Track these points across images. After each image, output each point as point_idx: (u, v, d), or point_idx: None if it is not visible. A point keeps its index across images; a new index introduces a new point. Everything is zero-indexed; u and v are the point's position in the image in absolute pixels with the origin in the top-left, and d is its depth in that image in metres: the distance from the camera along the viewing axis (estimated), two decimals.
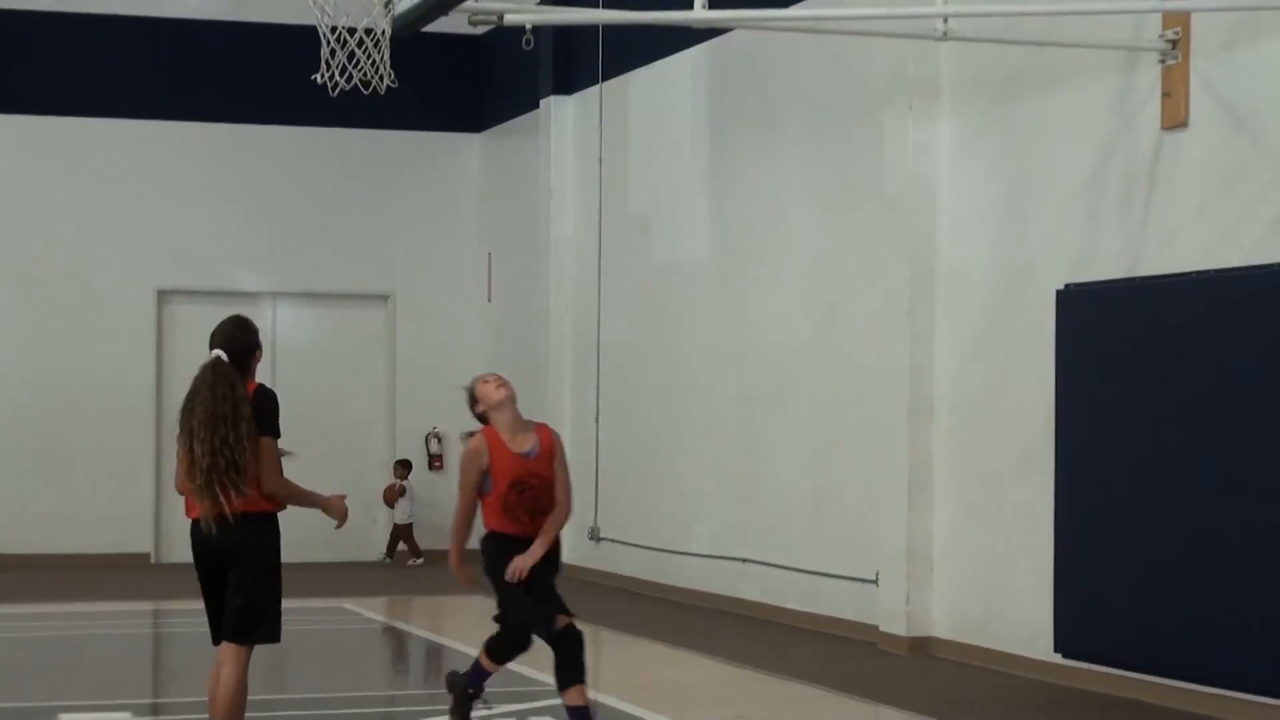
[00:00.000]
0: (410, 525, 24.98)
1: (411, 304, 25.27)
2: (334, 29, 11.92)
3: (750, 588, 18.27)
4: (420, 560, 24.75)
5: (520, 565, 9.02)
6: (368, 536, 25.23)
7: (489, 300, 25.24)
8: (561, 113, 22.91)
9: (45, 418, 24.49)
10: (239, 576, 8.96)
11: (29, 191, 24.56)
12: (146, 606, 20.31)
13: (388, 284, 24.99)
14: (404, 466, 25.07)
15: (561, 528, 9.31)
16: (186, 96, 24.21)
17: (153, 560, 24.57)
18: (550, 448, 9.13)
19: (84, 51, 24.41)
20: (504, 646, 9.87)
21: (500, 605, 9.54)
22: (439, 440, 25.42)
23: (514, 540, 9.16)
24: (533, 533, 9.14)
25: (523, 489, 8.75)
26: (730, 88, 19.32)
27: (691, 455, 19.77)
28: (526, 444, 8.85)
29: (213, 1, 24.00)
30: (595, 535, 21.96)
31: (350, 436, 25.39)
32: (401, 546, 25.15)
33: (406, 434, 25.88)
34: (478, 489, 9.21)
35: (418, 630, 18.66)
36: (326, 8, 11.84)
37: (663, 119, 20.80)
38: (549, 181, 23.05)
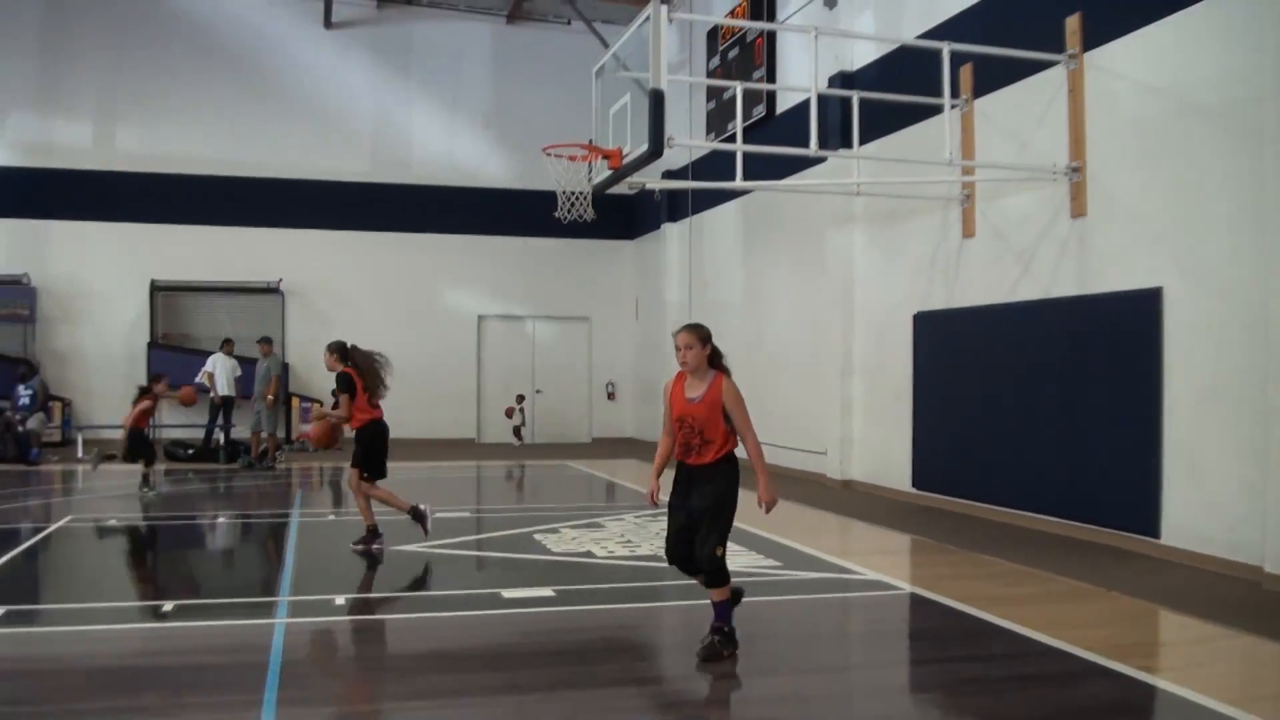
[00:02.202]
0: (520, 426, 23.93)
1: (600, 321, 24.87)
2: (564, 191, 12.30)
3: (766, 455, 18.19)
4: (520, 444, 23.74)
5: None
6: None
7: (635, 319, 25.06)
8: (671, 231, 22.72)
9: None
10: None
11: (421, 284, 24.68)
12: None
13: (588, 311, 24.65)
14: (519, 399, 23.96)
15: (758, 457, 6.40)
16: (495, 224, 24.26)
17: None
18: (712, 396, 6.34)
19: (461, 204, 24.45)
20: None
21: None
22: (613, 385, 25.06)
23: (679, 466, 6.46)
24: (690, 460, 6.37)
25: (681, 424, 6.38)
26: (754, 220, 19.28)
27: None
28: (697, 390, 6.39)
29: (505, 175, 24.16)
30: None
31: (571, 385, 24.95)
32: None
33: (597, 385, 25.30)
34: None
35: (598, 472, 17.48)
36: (561, 182, 12.22)
37: (720, 236, 20.74)
38: (663, 265, 22.88)
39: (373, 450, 10.19)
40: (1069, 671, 6.03)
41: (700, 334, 6.48)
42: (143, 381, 15.85)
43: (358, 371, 10.21)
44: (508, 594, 7.92)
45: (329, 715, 5.43)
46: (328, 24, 23.91)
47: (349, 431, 10.27)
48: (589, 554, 9.61)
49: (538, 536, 10.51)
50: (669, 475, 6.57)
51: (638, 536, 10.57)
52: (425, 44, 24.46)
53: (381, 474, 10.31)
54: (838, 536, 11.45)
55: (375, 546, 9.98)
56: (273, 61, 23.59)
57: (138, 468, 14.07)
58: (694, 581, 6.47)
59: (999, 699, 5.66)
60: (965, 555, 9.82)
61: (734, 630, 6.36)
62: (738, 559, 9.23)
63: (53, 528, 11.34)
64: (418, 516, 10.16)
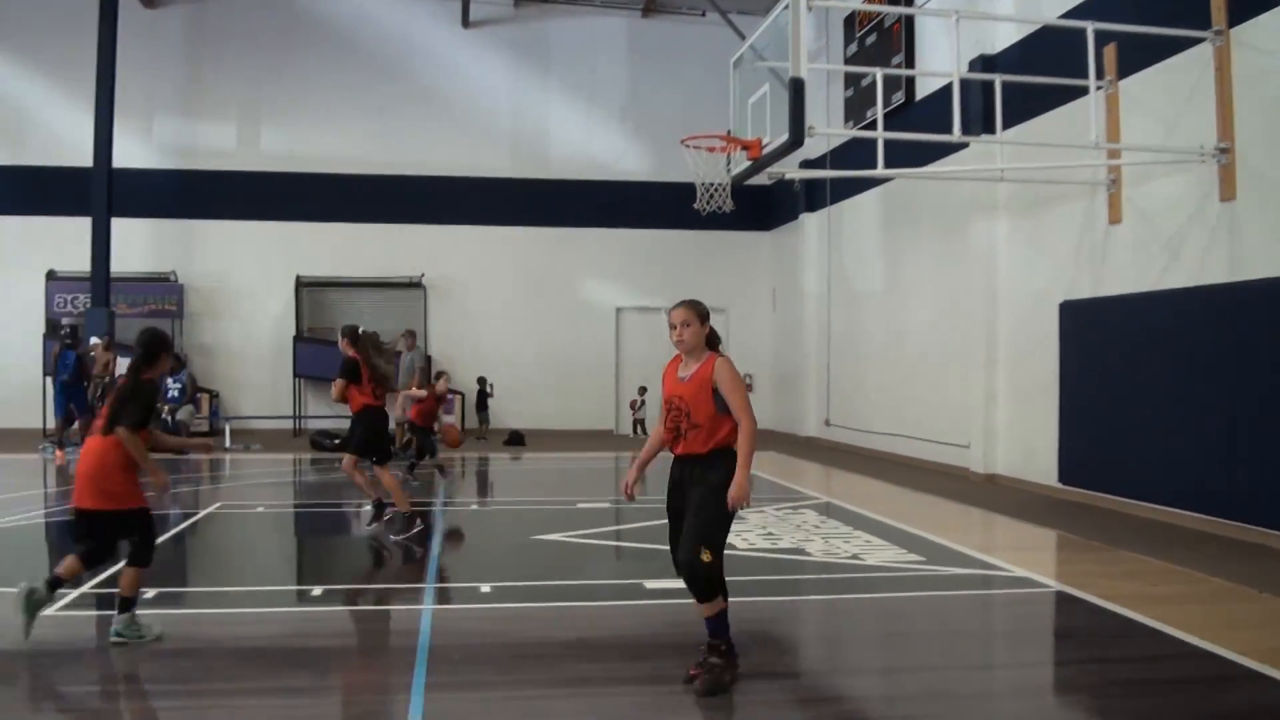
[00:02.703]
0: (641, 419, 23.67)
1: (737, 313, 24.69)
2: (703, 183, 12.35)
3: (906, 448, 18.24)
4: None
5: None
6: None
7: (774, 310, 25.04)
8: (809, 221, 22.65)
9: None
10: None
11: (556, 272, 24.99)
12: None
13: (725, 303, 24.30)
14: (641, 391, 23.63)
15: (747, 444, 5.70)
16: (632, 217, 24.42)
17: None
18: (702, 374, 5.77)
19: (598, 197, 24.65)
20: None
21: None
22: (751, 377, 24.53)
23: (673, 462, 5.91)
24: (678, 448, 5.84)
25: (669, 406, 5.84)
26: (894, 208, 19.10)
27: (870, 378, 19.59)
28: (688, 370, 5.81)
29: (641, 169, 24.34)
30: (829, 422, 21.63)
31: None
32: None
33: None
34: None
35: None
36: (700, 174, 12.27)
37: (859, 225, 20.61)
38: (801, 256, 22.83)
39: (371, 436, 10.60)
40: (1221, 675, 5.91)
41: (698, 311, 5.99)
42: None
43: (365, 359, 10.53)
44: (650, 585, 8.02)
45: (476, 700, 5.59)
46: (465, 23, 24.39)
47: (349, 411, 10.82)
48: (730, 546, 9.52)
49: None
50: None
51: (779, 529, 10.58)
52: (561, 40, 24.78)
53: (387, 457, 10.77)
54: (981, 531, 11.35)
55: (388, 518, 10.56)
56: (412, 62, 24.18)
57: (279, 456, 14.47)
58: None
59: (1147, 702, 5.58)
60: (1112, 552, 9.62)
61: (733, 646, 5.78)
62: (881, 553, 9.23)
63: (202, 514, 11.86)
64: (392, 516, 10.57)
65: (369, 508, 10.77)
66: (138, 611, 6.51)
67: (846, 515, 11.57)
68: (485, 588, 8.02)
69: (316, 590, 8.18)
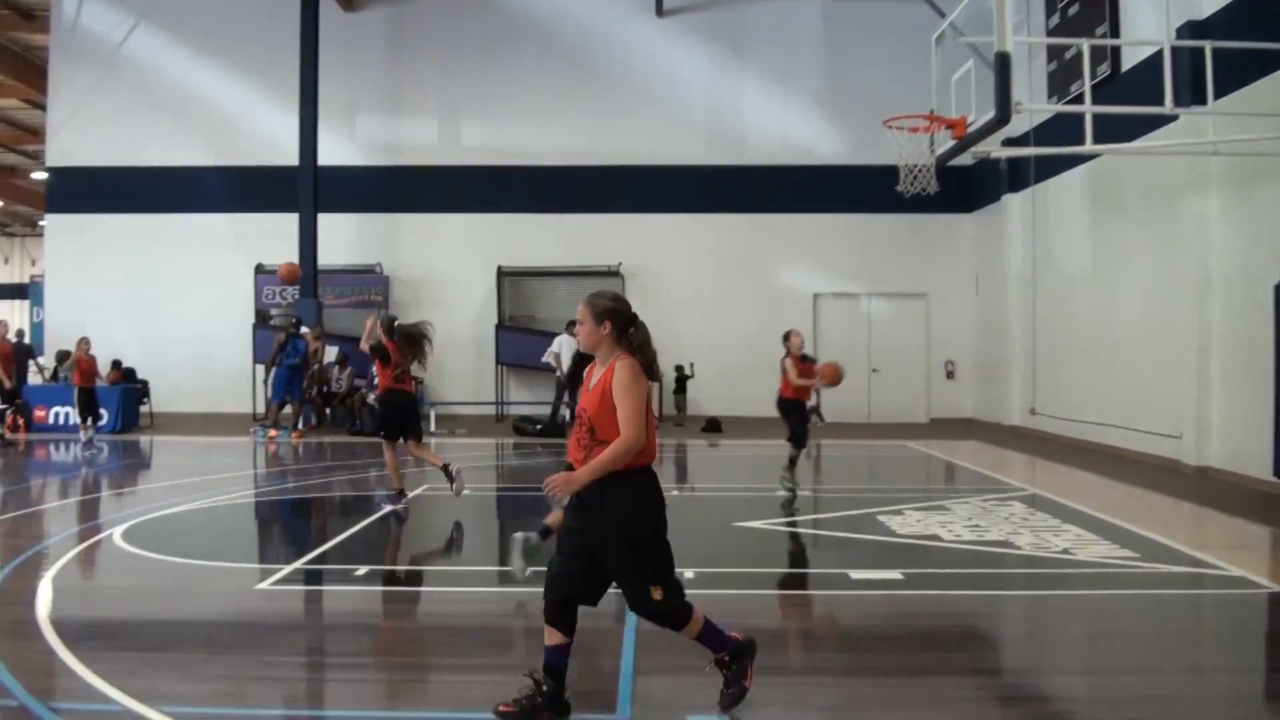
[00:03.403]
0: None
1: (938, 298, 24.39)
2: (907, 164, 12.27)
3: (1115, 438, 17.69)
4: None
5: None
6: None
7: (976, 295, 24.49)
8: (1012, 202, 22.14)
9: None
10: None
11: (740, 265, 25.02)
12: None
13: (926, 288, 24.22)
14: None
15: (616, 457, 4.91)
16: (829, 201, 24.21)
17: None
18: (603, 382, 5.03)
19: (795, 182, 24.60)
20: None
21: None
22: (952, 363, 24.51)
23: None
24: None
25: (579, 419, 5.15)
26: (1100, 186, 18.54)
27: (1077, 365, 19.07)
28: (595, 376, 5.12)
29: (838, 152, 24.17)
30: (1034, 411, 21.18)
31: (908, 364, 24.32)
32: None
33: (935, 363, 24.74)
34: None
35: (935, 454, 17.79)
36: (903, 155, 12.20)
37: (1064, 205, 20.06)
38: (1004, 238, 22.31)
39: (392, 415, 11.65)
40: None
41: (594, 307, 5.15)
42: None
43: (396, 347, 11.57)
44: (855, 575, 8.06)
45: (684, 686, 5.75)
46: (659, 12, 24.65)
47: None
48: (935, 537, 9.65)
49: (881, 518, 10.63)
50: None
51: (985, 521, 10.51)
52: (756, 24, 24.79)
53: (417, 436, 11.75)
54: (1194, 527, 11.02)
55: (451, 482, 11.38)
56: (607, 52, 24.61)
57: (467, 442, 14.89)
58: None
59: None
60: None
61: (739, 650, 5.37)
62: (1092, 548, 9.07)
63: (409, 496, 12.29)
64: (399, 497, 11.52)
65: (456, 485, 11.39)
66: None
67: (1055, 508, 11.36)
68: (689, 574, 8.14)
69: (525, 572, 8.43)
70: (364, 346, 12.00)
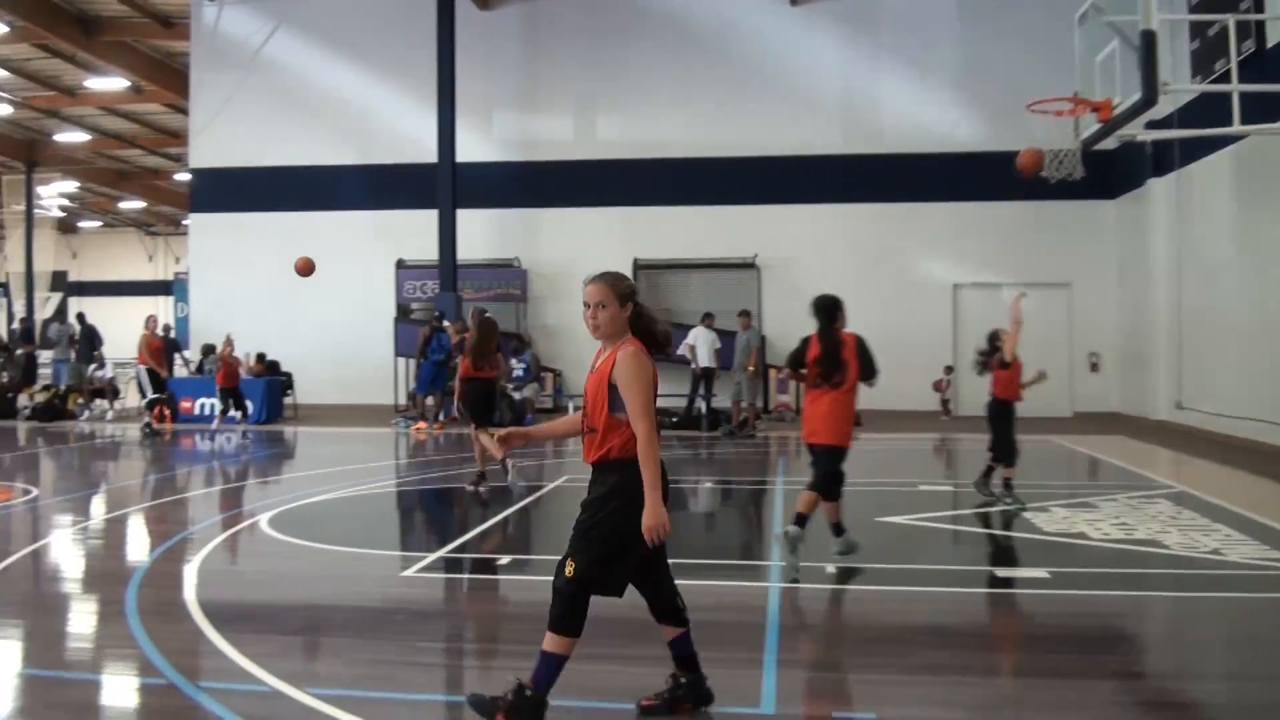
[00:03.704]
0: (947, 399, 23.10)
1: (1081, 287, 23.66)
2: (1052, 149, 12.04)
3: (1265, 433, 17.02)
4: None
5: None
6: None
7: (1120, 285, 23.78)
8: (1156, 187, 21.41)
9: None
10: None
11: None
12: None
13: (1068, 277, 23.56)
14: (947, 370, 23.07)
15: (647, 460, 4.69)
16: (967, 189, 23.75)
17: None
18: (604, 368, 4.89)
19: (932, 170, 24.23)
20: None
21: None
22: (1097, 355, 23.88)
23: None
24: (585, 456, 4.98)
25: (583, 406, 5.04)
26: (1249, 169, 17.81)
27: (1228, 357, 18.43)
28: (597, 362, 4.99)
29: (977, 139, 23.63)
30: (1180, 405, 20.57)
31: (1050, 355, 23.80)
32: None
33: (1079, 355, 23.99)
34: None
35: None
36: (1048, 139, 11.97)
37: (1212, 189, 19.40)
38: (1148, 224, 21.64)
39: (475, 401, 12.53)
40: None
41: (617, 288, 4.90)
42: None
43: (477, 336, 12.63)
44: (1001, 573, 7.94)
45: (828, 681, 5.74)
46: (793, 1, 24.46)
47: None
48: (1082, 535, 9.42)
49: (1026, 514, 10.44)
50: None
51: (1133, 518, 10.23)
52: (890, 9, 24.48)
53: (487, 422, 12.36)
54: None
55: (508, 475, 12.00)
56: (741, 43, 24.54)
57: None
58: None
59: None
60: None
61: (541, 704, 4.81)
62: (1243, 549, 8.81)
63: (549, 487, 12.67)
64: (504, 468, 12.07)
65: (511, 478, 11.96)
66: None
67: (1204, 506, 10.97)
68: (830, 568, 8.14)
69: None
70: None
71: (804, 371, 8.30)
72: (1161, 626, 7.22)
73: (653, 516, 4.65)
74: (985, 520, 10.35)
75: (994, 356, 11.45)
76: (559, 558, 4.91)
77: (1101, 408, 23.65)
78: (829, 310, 8.32)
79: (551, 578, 4.89)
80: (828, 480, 8.16)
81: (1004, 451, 11.29)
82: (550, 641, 4.81)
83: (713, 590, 7.62)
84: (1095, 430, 19.82)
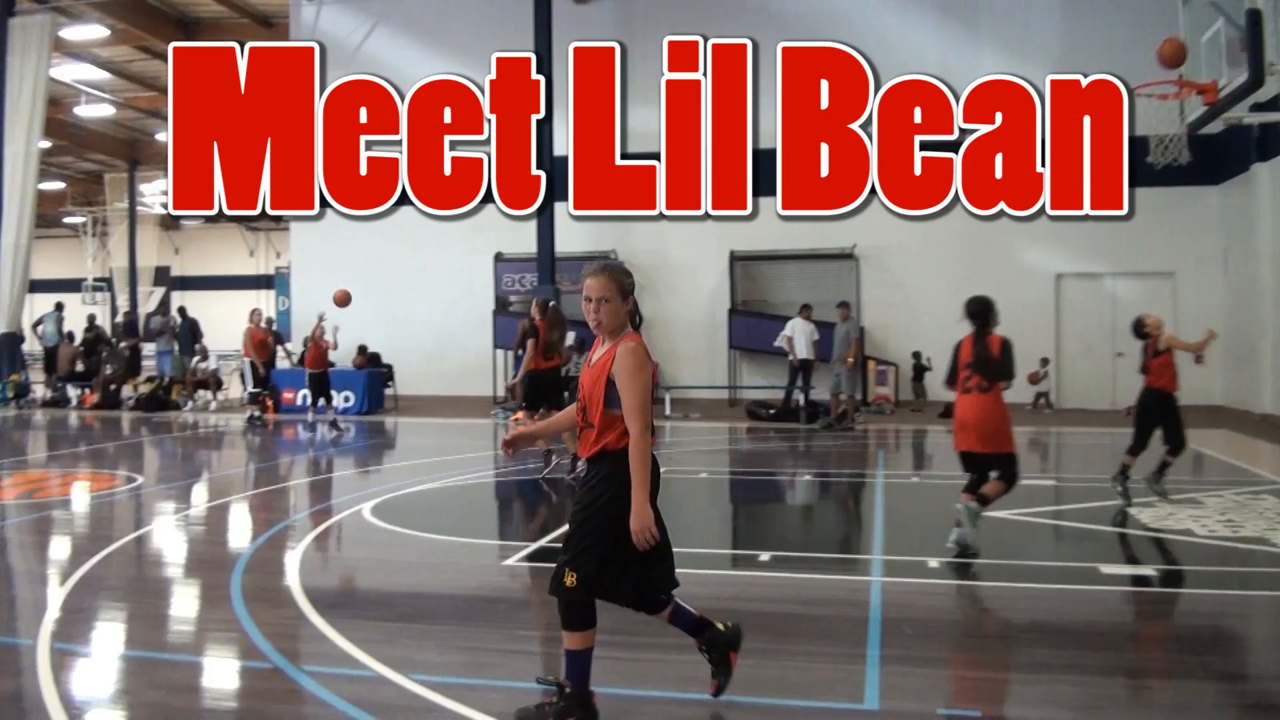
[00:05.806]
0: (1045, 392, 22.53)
1: (1185, 277, 23.15)
2: (1158, 134, 11.80)
3: None
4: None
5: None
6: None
7: (1225, 273, 23.19)
8: (1262, 172, 20.84)
9: None
10: None
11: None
12: None
13: (1172, 266, 23.15)
14: (1043, 363, 22.38)
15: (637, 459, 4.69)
16: None
17: None
18: (604, 361, 4.79)
19: None
20: None
21: None
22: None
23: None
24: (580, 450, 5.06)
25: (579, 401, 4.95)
26: None
27: None
28: (596, 354, 4.86)
29: None
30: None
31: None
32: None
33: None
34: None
35: None
36: (1153, 123, 11.72)
37: None
38: (1254, 211, 21.10)
39: (537, 389, 12.73)
40: None
41: (620, 282, 4.85)
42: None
43: (545, 326, 12.76)
44: (1106, 569, 7.79)
45: (934, 678, 5.71)
46: None
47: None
48: (1188, 532, 9.21)
49: (1130, 510, 10.23)
50: None
51: (1240, 515, 9.97)
52: None
53: (535, 409, 12.69)
54: None
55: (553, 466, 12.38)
56: (836, 30, 23.45)
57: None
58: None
59: None
60: None
61: (585, 695, 4.82)
62: None
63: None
64: (546, 459, 12.50)
65: (547, 471, 12.34)
66: None
67: None
68: (933, 563, 8.09)
69: (764, 556, 8.54)
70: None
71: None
72: (1269, 627, 7.00)
73: (639, 519, 4.65)
74: (1089, 515, 10.13)
75: (1148, 341, 11.18)
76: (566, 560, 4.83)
77: (1205, 400, 23.05)
78: (983, 313, 8.52)
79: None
80: (1012, 477, 8.32)
81: (1176, 443, 11.04)
82: (570, 640, 4.84)
83: (813, 584, 7.63)
84: (1199, 424, 19.27)
